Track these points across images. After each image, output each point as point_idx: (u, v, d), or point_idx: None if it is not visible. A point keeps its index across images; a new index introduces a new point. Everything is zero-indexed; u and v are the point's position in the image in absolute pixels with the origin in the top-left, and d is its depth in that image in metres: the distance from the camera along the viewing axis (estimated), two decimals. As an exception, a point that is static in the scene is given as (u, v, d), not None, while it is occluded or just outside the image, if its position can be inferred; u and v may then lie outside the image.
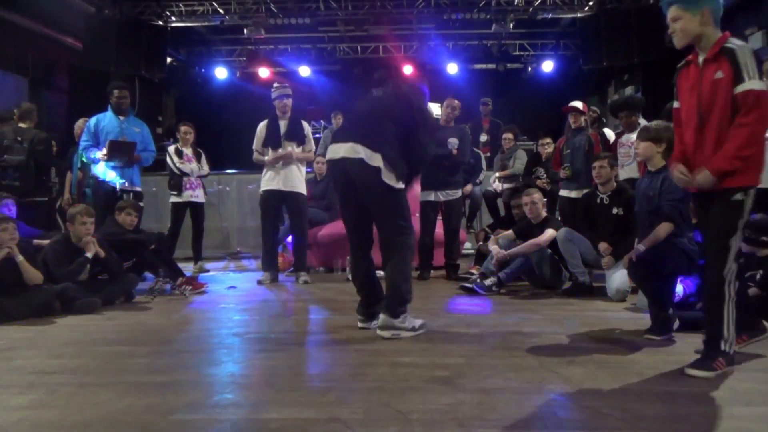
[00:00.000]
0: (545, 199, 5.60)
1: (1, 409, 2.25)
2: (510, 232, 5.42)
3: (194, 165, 6.75)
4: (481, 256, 5.92)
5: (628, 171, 5.41)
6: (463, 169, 6.15)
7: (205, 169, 6.91)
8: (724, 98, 2.59)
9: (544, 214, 5.30)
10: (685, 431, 1.98)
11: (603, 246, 4.77)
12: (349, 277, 5.86)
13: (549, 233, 5.01)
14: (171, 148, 6.81)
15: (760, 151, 2.59)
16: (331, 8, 10.38)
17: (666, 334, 3.27)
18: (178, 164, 6.64)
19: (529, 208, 5.28)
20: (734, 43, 2.63)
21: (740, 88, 2.54)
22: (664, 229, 3.36)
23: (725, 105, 2.59)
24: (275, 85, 5.99)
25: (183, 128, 6.86)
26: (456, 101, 5.98)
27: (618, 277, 4.58)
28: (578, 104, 5.86)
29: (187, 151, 6.77)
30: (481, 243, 6.26)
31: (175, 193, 6.65)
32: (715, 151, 2.61)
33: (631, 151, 5.37)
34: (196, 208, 6.76)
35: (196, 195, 6.73)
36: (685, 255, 3.36)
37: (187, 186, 6.66)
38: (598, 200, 4.94)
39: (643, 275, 3.38)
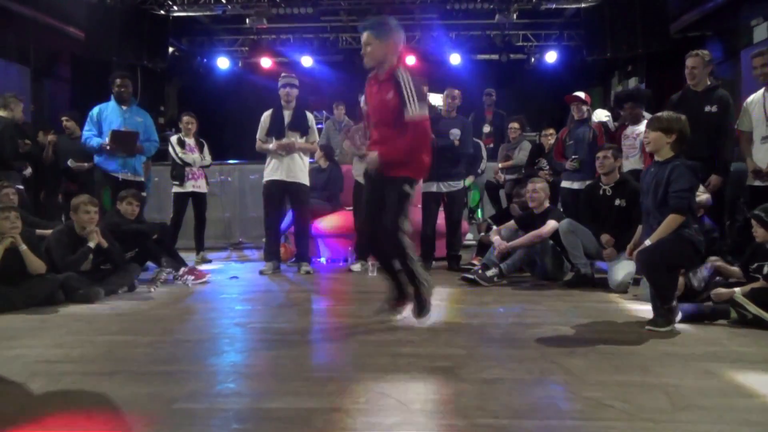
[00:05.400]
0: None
1: (5, 398, 2.26)
2: (512, 222, 5.42)
3: (197, 155, 6.74)
4: (483, 247, 5.92)
5: (632, 162, 5.40)
6: (465, 160, 6.13)
7: (208, 159, 6.90)
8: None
9: (546, 204, 5.29)
10: (686, 422, 1.98)
11: (605, 237, 4.77)
12: (352, 268, 5.90)
13: (551, 224, 5.00)
14: (173, 138, 6.80)
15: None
16: (334, -2, 10.32)
17: (668, 325, 3.27)
18: (180, 154, 6.63)
19: (530, 196, 5.28)
20: None
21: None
22: (673, 221, 3.31)
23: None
24: (283, 74, 5.98)
25: (185, 118, 6.84)
26: (456, 91, 5.96)
27: (620, 269, 4.59)
28: (581, 94, 5.83)
29: (190, 142, 6.75)
30: (483, 234, 6.26)
31: (177, 183, 6.65)
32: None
33: (636, 143, 5.36)
34: (199, 198, 6.77)
35: (199, 185, 6.73)
36: (692, 246, 3.35)
37: (190, 176, 6.66)
38: (601, 191, 4.93)
39: (651, 265, 3.36)
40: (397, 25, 3.51)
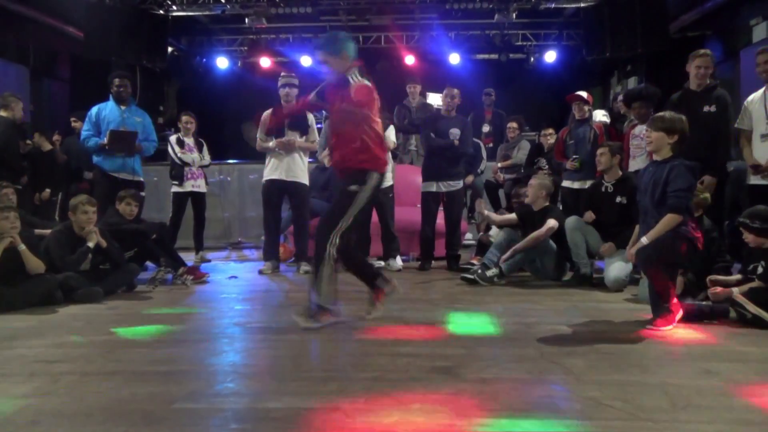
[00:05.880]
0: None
1: (4, 398, 2.26)
2: (513, 216, 5.44)
3: (196, 155, 6.74)
4: (482, 246, 5.91)
5: (639, 162, 5.38)
6: (464, 160, 6.12)
7: (207, 158, 6.90)
8: None
9: (545, 202, 5.28)
10: (685, 421, 1.98)
11: (588, 214, 4.85)
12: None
13: (549, 224, 4.99)
14: (172, 138, 6.80)
15: None
16: (333, -3, 10.31)
17: (668, 324, 3.27)
18: (179, 154, 6.63)
19: (527, 191, 5.31)
20: None
21: None
22: (671, 221, 3.32)
23: None
24: (282, 74, 5.97)
25: (184, 118, 6.84)
26: (455, 90, 5.96)
27: (616, 267, 4.59)
28: (583, 94, 5.82)
29: (189, 141, 6.75)
30: (482, 233, 6.26)
31: (176, 182, 6.64)
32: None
33: (643, 143, 5.35)
34: (198, 198, 6.76)
35: (198, 185, 6.73)
36: (690, 243, 3.35)
37: (189, 176, 6.65)
38: (603, 188, 4.95)
39: (650, 263, 3.36)
40: (347, 36, 3.62)
